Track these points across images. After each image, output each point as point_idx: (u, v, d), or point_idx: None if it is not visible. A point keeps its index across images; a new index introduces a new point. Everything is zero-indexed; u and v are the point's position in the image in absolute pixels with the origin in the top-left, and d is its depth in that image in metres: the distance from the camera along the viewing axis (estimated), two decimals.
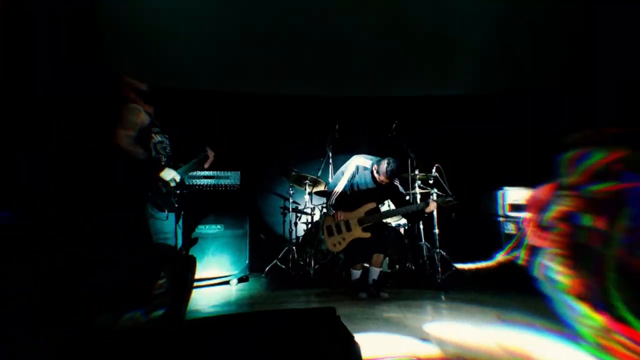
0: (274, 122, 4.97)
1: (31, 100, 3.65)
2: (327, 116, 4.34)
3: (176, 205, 2.29)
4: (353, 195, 3.23)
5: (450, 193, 3.75)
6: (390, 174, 3.08)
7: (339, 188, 3.22)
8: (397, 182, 3.29)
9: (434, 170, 3.83)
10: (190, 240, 2.75)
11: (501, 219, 3.57)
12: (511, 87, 4.80)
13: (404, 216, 3.30)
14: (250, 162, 4.54)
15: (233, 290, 3.47)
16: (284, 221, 4.41)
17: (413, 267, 3.73)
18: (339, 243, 3.16)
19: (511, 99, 4.73)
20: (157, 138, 2.36)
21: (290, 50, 4.66)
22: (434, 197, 3.50)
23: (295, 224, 4.17)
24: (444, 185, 3.79)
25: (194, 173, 3.72)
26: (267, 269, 4.08)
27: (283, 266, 4.06)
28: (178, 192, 2.33)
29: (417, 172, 3.85)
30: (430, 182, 3.84)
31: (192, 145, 2.71)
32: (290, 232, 4.14)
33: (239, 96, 4.94)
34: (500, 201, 3.63)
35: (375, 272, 3.17)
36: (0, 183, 3.30)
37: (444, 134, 4.77)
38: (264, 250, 4.42)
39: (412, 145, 3.84)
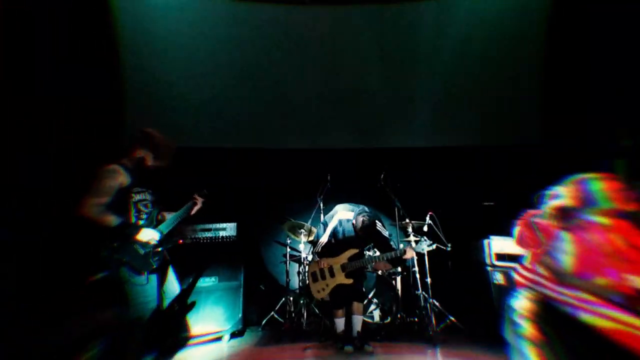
0: (271, 175, 5.16)
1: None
2: (320, 168, 4.53)
3: (155, 266, 2.30)
4: (337, 243, 3.39)
5: (444, 240, 3.91)
6: (364, 229, 3.28)
7: (323, 239, 3.41)
8: (379, 228, 3.41)
9: (427, 218, 3.98)
10: (185, 303, 2.76)
11: (489, 268, 3.63)
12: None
13: (388, 261, 3.39)
14: (247, 213, 4.67)
15: (224, 347, 3.45)
16: (287, 271, 4.38)
17: (408, 318, 3.75)
18: (323, 289, 3.29)
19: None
20: (138, 197, 2.38)
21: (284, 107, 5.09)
22: (413, 243, 3.58)
23: (298, 272, 4.21)
24: (439, 232, 3.93)
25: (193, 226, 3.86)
26: (264, 322, 4.08)
27: (281, 319, 4.04)
28: (161, 249, 2.39)
29: (407, 220, 3.97)
30: (425, 229, 3.93)
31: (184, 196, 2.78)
32: (287, 282, 4.20)
33: (237, 150, 5.18)
34: (486, 250, 3.71)
35: (357, 321, 3.24)
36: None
37: (431, 184, 4.93)
38: (264, 302, 4.39)
39: (400, 194, 4.01)
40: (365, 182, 4.48)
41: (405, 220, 3.96)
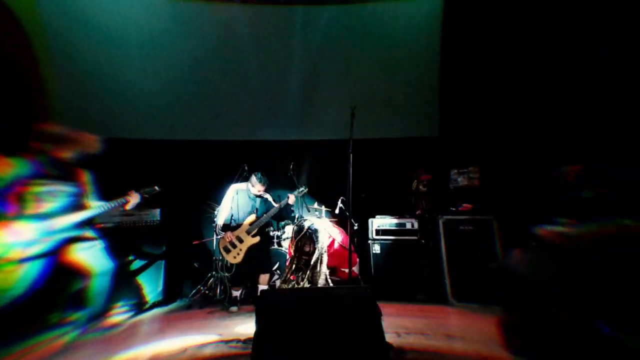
0: (197, 164, 5.65)
1: None
2: (240, 158, 5.09)
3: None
4: (237, 218, 4.05)
5: (353, 221, 4.67)
6: (263, 182, 4.04)
7: (220, 220, 4.07)
8: (268, 197, 4.21)
9: (339, 202, 4.73)
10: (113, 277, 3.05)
11: (370, 241, 4.46)
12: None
13: (275, 217, 4.16)
14: (173, 200, 5.13)
15: (145, 314, 3.94)
16: (213, 251, 4.78)
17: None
18: (238, 254, 3.90)
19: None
20: (41, 188, 2.61)
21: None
22: (295, 192, 4.23)
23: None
24: (348, 214, 4.67)
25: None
26: (191, 293, 4.60)
27: (207, 291, 4.51)
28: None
29: (323, 207, 4.82)
30: (337, 212, 4.73)
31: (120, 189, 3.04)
32: (214, 261, 4.63)
33: (164, 143, 5.62)
34: (370, 227, 4.53)
35: (261, 289, 3.91)
36: None
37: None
38: (198, 277, 4.83)
39: (306, 182, 4.72)
40: (278, 171, 5.13)
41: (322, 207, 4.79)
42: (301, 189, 4.18)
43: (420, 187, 4.67)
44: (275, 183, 4.91)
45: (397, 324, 2.93)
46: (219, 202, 4.70)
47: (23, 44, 4.82)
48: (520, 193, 3.56)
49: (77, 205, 2.82)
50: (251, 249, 3.93)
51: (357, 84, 5.70)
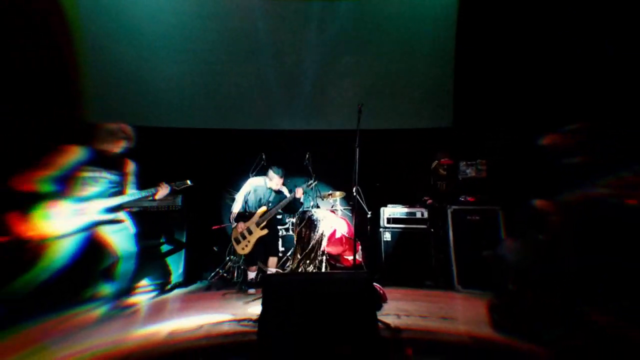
0: (216, 152, 5.90)
1: None
2: (258, 147, 5.31)
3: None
4: (250, 209, 4.29)
5: (366, 209, 4.84)
6: (281, 175, 4.28)
7: (235, 209, 4.31)
8: (284, 190, 4.43)
9: (353, 191, 4.89)
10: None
11: (381, 229, 4.61)
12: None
13: (285, 209, 4.39)
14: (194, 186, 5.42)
15: (166, 294, 4.24)
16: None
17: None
18: (246, 246, 4.12)
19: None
20: (87, 174, 2.96)
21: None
22: (304, 186, 4.45)
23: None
24: (362, 202, 4.86)
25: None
26: (210, 276, 4.91)
27: (225, 274, 4.85)
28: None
29: (337, 192, 5.04)
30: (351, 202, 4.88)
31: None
32: (230, 246, 4.94)
33: (185, 131, 5.90)
34: (382, 215, 4.67)
35: (270, 272, 4.14)
36: None
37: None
38: (218, 261, 5.09)
39: (320, 172, 4.90)
40: (294, 160, 5.32)
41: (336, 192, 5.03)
42: (310, 182, 4.39)
43: (440, 170, 4.80)
44: (292, 172, 5.06)
45: (399, 307, 3.10)
46: (237, 189, 4.87)
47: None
48: (526, 184, 3.61)
49: (115, 192, 3.14)
50: (259, 240, 4.15)
51: (371, 76, 5.78)
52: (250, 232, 4.16)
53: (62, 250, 2.86)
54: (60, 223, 2.84)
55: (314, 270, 4.13)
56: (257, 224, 4.16)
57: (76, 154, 2.93)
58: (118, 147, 3.15)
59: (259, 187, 4.38)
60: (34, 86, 4.86)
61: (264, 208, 4.23)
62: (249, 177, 4.96)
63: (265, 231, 4.15)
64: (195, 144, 5.88)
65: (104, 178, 3.07)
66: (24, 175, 2.74)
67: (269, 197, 4.33)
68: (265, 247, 4.20)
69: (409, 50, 5.63)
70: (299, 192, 4.27)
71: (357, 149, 3.34)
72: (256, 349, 2.04)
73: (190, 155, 5.71)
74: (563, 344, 1.80)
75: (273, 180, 4.29)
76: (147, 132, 5.13)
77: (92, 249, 3.06)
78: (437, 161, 4.89)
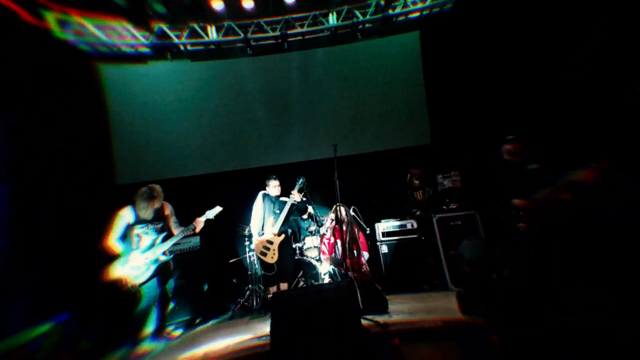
0: (225, 192, 6.54)
1: None
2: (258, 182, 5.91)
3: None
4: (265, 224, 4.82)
5: (364, 226, 5.39)
6: (276, 178, 4.98)
7: (256, 228, 4.85)
8: (287, 199, 4.90)
9: (351, 210, 5.46)
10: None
11: (378, 243, 5.14)
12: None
13: (292, 212, 4.91)
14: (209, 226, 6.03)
15: (195, 328, 4.74)
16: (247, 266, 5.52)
17: None
18: (274, 254, 4.59)
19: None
20: (138, 230, 3.65)
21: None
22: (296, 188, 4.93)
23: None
24: (360, 220, 5.42)
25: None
26: (233, 306, 5.33)
27: (247, 303, 5.20)
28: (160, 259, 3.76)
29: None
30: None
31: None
32: (250, 275, 5.40)
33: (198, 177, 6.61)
34: (377, 230, 5.21)
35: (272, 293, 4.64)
36: None
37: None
38: (237, 292, 5.55)
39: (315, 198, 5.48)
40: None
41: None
42: (300, 181, 4.85)
43: (414, 180, 5.37)
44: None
45: (394, 309, 3.60)
46: (247, 222, 5.35)
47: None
48: (494, 189, 4.14)
49: (165, 236, 3.83)
50: (281, 245, 4.67)
51: (353, 107, 6.53)
52: (270, 242, 4.66)
53: (145, 293, 3.63)
54: (136, 273, 3.58)
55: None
56: (273, 232, 4.69)
57: (127, 215, 3.62)
58: (153, 206, 3.77)
59: (267, 197, 4.95)
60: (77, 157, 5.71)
61: (271, 218, 4.77)
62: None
63: (282, 236, 4.70)
64: (204, 188, 6.58)
65: (152, 229, 3.76)
66: (104, 239, 3.49)
67: (274, 207, 4.86)
68: (288, 258, 4.73)
69: (383, 82, 6.42)
70: (295, 195, 4.77)
71: (337, 181, 3.91)
72: (271, 355, 2.57)
73: (203, 198, 6.31)
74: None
75: (272, 188, 4.89)
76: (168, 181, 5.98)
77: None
78: (409, 174, 5.46)
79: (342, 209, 4.62)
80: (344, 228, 4.51)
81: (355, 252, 4.50)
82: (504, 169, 3.59)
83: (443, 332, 2.60)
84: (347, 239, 4.50)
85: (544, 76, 4.43)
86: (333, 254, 4.94)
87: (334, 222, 4.94)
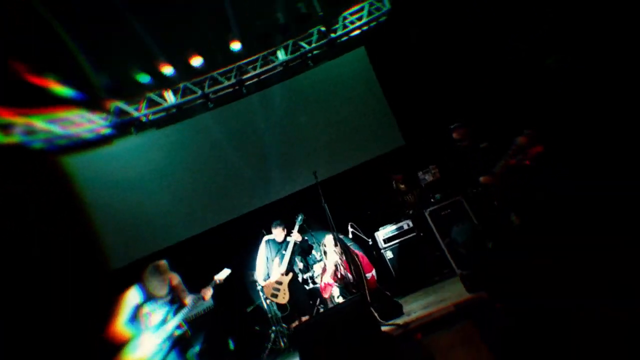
0: (228, 243, 6.61)
1: None
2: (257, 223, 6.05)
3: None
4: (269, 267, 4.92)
5: (365, 237, 5.57)
6: (280, 225, 5.00)
7: (261, 272, 4.99)
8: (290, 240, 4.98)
9: (349, 227, 5.62)
10: None
11: (382, 250, 5.31)
12: None
13: (296, 251, 5.08)
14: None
15: None
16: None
17: None
18: (284, 294, 4.64)
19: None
20: (147, 309, 3.52)
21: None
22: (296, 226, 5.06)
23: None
24: (360, 234, 5.60)
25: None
26: (262, 355, 5.30)
27: (273, 345, 5.21)
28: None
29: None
30: (350, 236, 5.56)
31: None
32: (271, 318, 5.40)
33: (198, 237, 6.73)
34: (378, 239, 5.38)
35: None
36: None
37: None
38: (262, 338, 5.56)
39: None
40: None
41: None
42: (299, 218, 4.99)
43: (400, 186, 5.59)
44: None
45: (411, 309, 3.76)
46: (253, 268, 5.37)
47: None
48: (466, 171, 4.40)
49: (177, 308, 3.68)
50: (290, 284, 4.71)
51: (324, 130, 6.78)
52: (279, 283, 4.71)
53: None
54: (150, 354, 3.46)
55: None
56: (281, 272, 4.76)
57: (135, 296, 3.56)
58: (166, 280, 3.69)
59: (271, 242, 5.07)
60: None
61: (277, 259, 4.87)
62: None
63: (290, 274, 4.76)
64: (202, 247, 6.61)
65: (162, 303, 3.65)
66: (109, 327, 3.39)
67: (281, 248, 4.96)
68: (299, 294, 4.77)
69: (346, 100, 6.76)
70: (295, 235, 4.89)
71: (325, 206, 4.11)
72: None
73: (205, 256, 6.42)
74: None
75: (277, 234, 4.97)
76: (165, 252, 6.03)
77: None
78: (393, 182, 5.70)
79: (330, 241, 4.65)
80: (342, 259, 4.53)
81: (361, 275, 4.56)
82: (463, 153, 3.89)
83: (456, 314, 2.76)
84: (352, 268, 4.41)
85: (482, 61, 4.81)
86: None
87: (324, 266, 4.82)
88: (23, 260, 5.24)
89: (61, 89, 5.31)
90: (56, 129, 5.88)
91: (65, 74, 5.21)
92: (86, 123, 6.16)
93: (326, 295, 4.59)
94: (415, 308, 3.73)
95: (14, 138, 5.52)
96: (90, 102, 5.78)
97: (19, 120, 5.48)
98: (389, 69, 6.69)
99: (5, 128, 5.41)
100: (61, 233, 5.81)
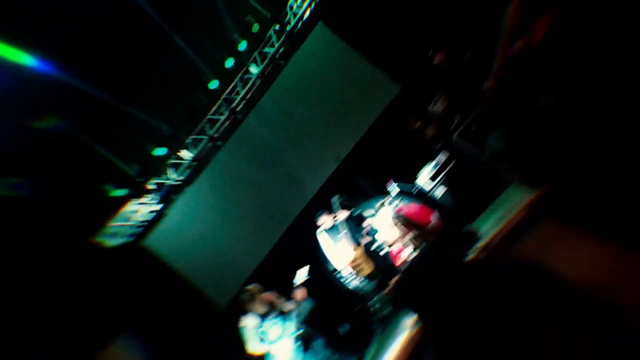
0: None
1: None
2: None
3: None
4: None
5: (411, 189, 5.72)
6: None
7: (336, 264, 5.33)
8: None
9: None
10: None
11: (432, 190, 5.42)
12: None
13: None
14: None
15: None
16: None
17: None
18: (367, 264, 5.07)
19: None
20: (264, 327, 4.12)
21: None
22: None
23: None
24: (405, 188, 5.76)
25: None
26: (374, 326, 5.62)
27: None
28: None
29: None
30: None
31: None
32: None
33: None
34: (423, 182, 5.51)
35: None
36: None
37: None
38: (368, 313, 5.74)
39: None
40: None
41: None
42: (334, 200, 5.37)
43: (417, 125, 5.63)
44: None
45: (485, 230, 3.86)
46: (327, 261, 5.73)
47: None
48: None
49: (284, 316, 4.29)
50: (366, 253, 5.13)
51: (325, 113, 7.01)
52: (356, 258, 5.16)
53: None
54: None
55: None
56: (352, 249, 5.15)
57: (250, 322, 4.16)
58: (263, 299, 4.28)
59: (328, 234, 5.40)
60: None
61: (340, 242, 5.25)
62: None
63: (360, 247, 5.15)
64: (272, 267, 7.04)
65: (272, 318, 4.21)
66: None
67: (335, 233, 5.32)
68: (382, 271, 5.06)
69: (330, 76, 6.94)
70: (340, 215, 5.33)
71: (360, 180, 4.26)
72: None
73: (279, 274, 6.66)
74: None
75: (326, 222, 5.36)
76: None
77: None
78: (408, 122, 5.75)
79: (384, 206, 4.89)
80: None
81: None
82: (453, 73, 3.83)
83: (529, 218, 2.85)
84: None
85: None
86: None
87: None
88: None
89: (115, 192, 6.18)
90: (127, 222, 6.79)
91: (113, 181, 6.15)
92: (143, 208, 6.90)
93: (399, 263, 4.75)
94: (488, 227, 3.85)
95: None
96: (135, 191, 6.51)
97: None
98: (351, 28, 6.71)
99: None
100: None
